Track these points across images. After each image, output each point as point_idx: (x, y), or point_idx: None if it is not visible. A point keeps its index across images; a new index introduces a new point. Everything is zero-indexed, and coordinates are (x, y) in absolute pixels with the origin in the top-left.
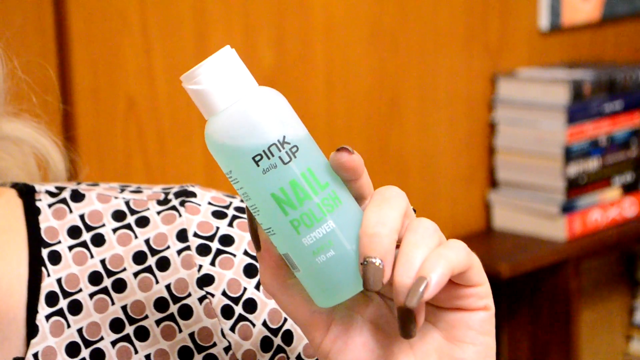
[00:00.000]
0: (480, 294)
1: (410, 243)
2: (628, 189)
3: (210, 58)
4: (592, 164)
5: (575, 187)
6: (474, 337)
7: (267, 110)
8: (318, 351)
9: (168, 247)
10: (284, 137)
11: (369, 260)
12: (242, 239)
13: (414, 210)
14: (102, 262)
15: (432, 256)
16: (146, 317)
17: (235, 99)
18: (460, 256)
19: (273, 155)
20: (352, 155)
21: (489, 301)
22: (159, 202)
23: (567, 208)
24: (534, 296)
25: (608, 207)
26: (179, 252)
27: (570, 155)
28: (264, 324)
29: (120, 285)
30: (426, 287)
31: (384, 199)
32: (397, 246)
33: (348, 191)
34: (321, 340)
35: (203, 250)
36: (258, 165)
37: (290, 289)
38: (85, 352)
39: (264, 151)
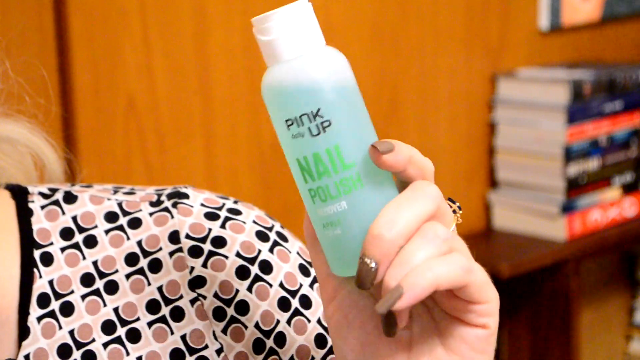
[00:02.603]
0: (480, 312)
1: (412, 246)
2: (628, 189)
3: (283, 8)
4: (592, 164)
5: (575, 187)
6: (465, 352)
7: (309, 78)
8: (324, 315)
9: (160, 249)
10: (318, 109)
11: (364, 260)
12: (235, 240)
13: (459, 208)
14: (94, 263)
15: (419, 268)
16: (138, 319)
17: (294, 56)
18: (452, 273)
19: (303, 124)
20: (383, 157)
21: (490, 320)
22: (152, 204)
23: (567, 208)
24: (534, 296)
25: (608, 207)
26: (171, 253)
27: (570, 155)
28: (256, 326)
29: (112, 287)
30: (399, 297)
31: (410, 196)
32: None
33: (383, 177)
34: (326, 306)
35: (195, 252)
36: (288, 129)
37: (317, 245)
38: (76, 354)
39: (295, 118)
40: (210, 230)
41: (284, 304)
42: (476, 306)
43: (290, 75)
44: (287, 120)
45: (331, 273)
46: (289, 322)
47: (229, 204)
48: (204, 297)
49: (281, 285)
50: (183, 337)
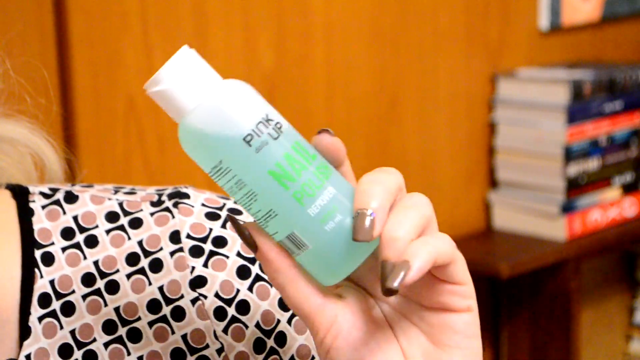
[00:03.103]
0: (464, 294)
1: (402, 205)
2: (628, 189)
3: (170, 60)
4: (592, 164)
5: (575, 187)
6: (459, 341)
7: (244, 94)
8: (320, 348)
9: (161, 249)
10: (267, 114)
11: (361, 212)
12: (235, 240)
13: None
14: (95, 263)
15: (418, 242)
16: (139, 318)
17: (207, 94)
18: (444, 247)
19: (262, 133)
20: (334, 138)
21: (472, 302)
22: (153, 204)
23: (567, 208)
24: (534, 296)
25: (608, 207)
26: (172, 253)
27: (570, 155)
28: (257, 325)
29: (113, 287)
30: (408, 270)
31: (378, 171)
32: None
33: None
34: (323, 337)
35: (196, 251)
36: (250, 145)
37: (296, 281)
38: (77, 354)
39: (253, 130)
40: (211, 230)
41: (284, 304)
42: (460, 287)
43: (228, 96)
44: (245, 137)
45: (324, 301)
46: (289, 321)
47: (230, 203)
48: (205, 297)
49: None
50: (184, 337)
